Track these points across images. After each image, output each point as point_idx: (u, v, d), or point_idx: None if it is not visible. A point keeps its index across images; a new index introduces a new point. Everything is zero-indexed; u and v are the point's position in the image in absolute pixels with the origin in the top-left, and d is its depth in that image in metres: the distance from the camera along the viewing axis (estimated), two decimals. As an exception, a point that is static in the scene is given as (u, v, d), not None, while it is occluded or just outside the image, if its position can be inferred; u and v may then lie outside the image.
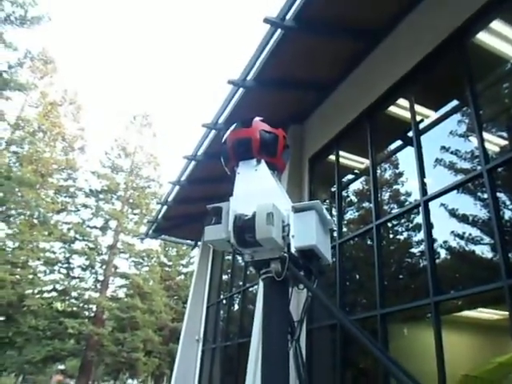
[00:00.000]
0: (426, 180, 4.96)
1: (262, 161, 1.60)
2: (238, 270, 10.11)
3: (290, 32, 5.47)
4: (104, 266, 26.29)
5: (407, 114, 5.46)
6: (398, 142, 6.10)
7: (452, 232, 4.64)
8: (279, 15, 5.28)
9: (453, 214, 4.71)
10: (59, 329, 22.58)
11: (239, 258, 9.33)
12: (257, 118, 1.66)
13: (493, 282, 3.84)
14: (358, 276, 6.60)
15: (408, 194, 5.60)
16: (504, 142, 4.52)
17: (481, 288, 4.00)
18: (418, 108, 5.39)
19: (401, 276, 5.72)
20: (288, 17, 5.30)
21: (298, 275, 1.35)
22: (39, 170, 24.81)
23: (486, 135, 4.32)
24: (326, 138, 7.09)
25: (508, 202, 4.07)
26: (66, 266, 25.30)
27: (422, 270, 4.86)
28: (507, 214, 4.01)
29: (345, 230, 6.53)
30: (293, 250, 1.36)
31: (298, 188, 7.39)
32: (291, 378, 1.27)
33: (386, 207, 5.97)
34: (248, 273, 9.08)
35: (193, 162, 8.48)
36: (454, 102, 5.21)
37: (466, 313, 5.19)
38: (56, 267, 24.88)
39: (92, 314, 25.21)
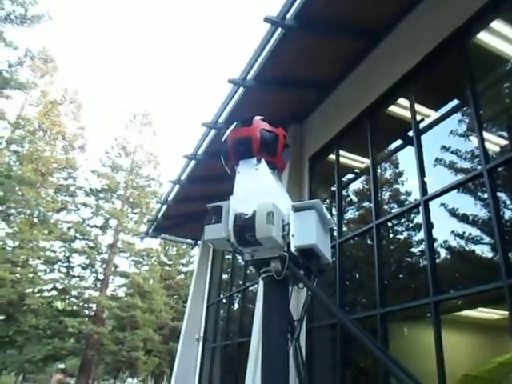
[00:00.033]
0: (426, 179, 4.96)
1: (263, 160, 1.59)
2: (237, 269, 10.12)
3: (291, 31, 5.47)
4: (104, 265, 26.32)
5: (407, 114, 5.46)
6: (399, 142, 6.10)
7: (452, 231, 4.64)
8: (279, 14, 5.27)
9: (453, 213, 4.71)
10: (59, 328, 22.61)
11: (239, 257, 9.34)
12: (257, 117, 1.66)
13: (493, 282, 3.84)
14: (357, 275, 6.60)
15: (408, 194, 5.60)
16: (504, 142, 4.52)
17: (481, 288, 4.00)
18: (418, 107, 5.39)
19: (401, 275, 5.72)
20: (288, 16, 5.30)
21: (297, 274, 1.35)
22: (39, 169, 24.82)
23: (486, 135, 4.32)
24: (326, 137, 7.09)
25: (508, 202, 4.07)
26: (66, 264, 25.33)
27: (421, 270, 4.86)
28: (507, 214, 4.01)
29: (345, 229, 6.53)
30: (293, 249, 1.36)
31: (298, 187, 7.39)
32: (291, 376, 1.27)
33: (386, 207, 5.97)
34: (248, 272, 9.08)
35: (193, 161, 8.48)
36: (455, 102, 5.21)
37: (466, 312, 5.19)
38: (56, 266, 24.91)
39: (92, 313, 25.24)
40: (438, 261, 4.58)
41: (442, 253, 4.73)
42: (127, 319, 25.06)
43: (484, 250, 4.37)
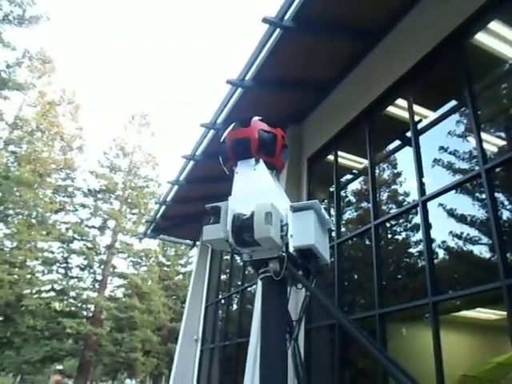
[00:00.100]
0: (424, 180, 4.97)
1: (261, 160, 1.59)
2: (236, 269, 10.11)
3: (289, 32, 5.47)
4: (102, 266, 26.28)
5: (406, 114, 5.47)
6: (397, 142, 6.11)
7: (450, 232, 4.64)
8: (278, 15, 5.28)
9: (451, 214, 4.72)
10: (57, 329, 22.56)
11: (238, 257, 9.33)
12: (255, 118, 1.66)
13: (491, 282, 3.84)
14: (356, 276, 6.61)
15: (406, 194, 5.61)
16: (502, 143, 4.53)
17: (479, 288, 4.00)
18: (416, 108, 5.40)
19: (399, 276, 5.72)
20: (287, 17, 5.30)
21: (296, 275, 1.35)
22: (37, 170, 24.79)
23: (484, 135, 4.32)
24: (324, 137, 7.10)
25: (506, 202, 4.08)
26: (64, 265, 25.31)
27: (420, 270, 4.87)
28: (505, 214, 4.02)
29: (343, 229, 6.54)
30: (291, 249, 1.36)
31: (296, 188, 7.39)
32: (289, 377, 1.27)
33: (384, 207, 5.98)
34: (246, 272, 9.08)
35: (191, 162, 8.48)
36: (453, 103, 5.22)
37: (465, 313, 5.20)
38: (54, 267, 24.88)
39: (90, 314, 25.19)
40: (436, 261, 4.59)
41: (441, 253, 4.74)
42: (125, 320, 25.03)
43: (482, 251, 4.38)
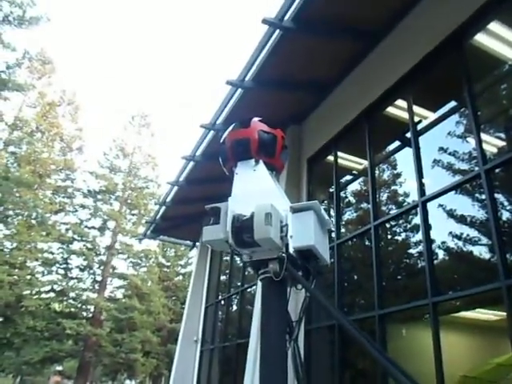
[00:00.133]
0: (424, 181, 4.97)
1: (261, 161, 1.59)
2: (236, 270, 10.11)
3: (289, 32, 5.47)
4: (102, 267, 26.27)
5: (405, 115, 5.47)
6: (397, 143, 6.11)
7: (450, 233, 4.64)
8: (278, 16, 5.28)
9: (451, 214, 4.72)
10: (57, 329, 22.55)
11: (237, 258, 9.32)
12: (255, 119, 1.66)
13: (491, 283, 3.84)
14: (356, 276, 6.61)
15: (406, 195, 5.61)
16: (502, 143, 4.54)
17: (479, 289, 4.00)
18: (416, 109, 5.40)
19: (399, 277, 5.72)
20: (286, 17, 5.30)
21: (296, 275, 1.35)
22: (37, 171, 24.78)
23: (483, 136, 4.33)
24: (324, 138, 7.10)
25: (506, 203, 4.08)
26: (63, 266, 25.30)
27: (420, 271, 4.87)
28: (505, 215, 4.02)
29: (343, 230, 6.54)
30: (291, 250, 1.36)
31: (296, 188, 7.39)
32: (289, 378, 1.27)
33: (384, 208, 5.98)
34: (246, 273, 9.08)
35: (191, 163, 8.48)
36: (452, 103, 5.22)
37: (464, 313, 5.20)
38: (54, 268, 24.87)
39: (90, 315, 25.17)
40: (436, 262, 4.59)
41: (440, 254, 4.74)
42: (125, 321, 25.02)
43: (482, 251, 4.38)
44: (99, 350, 24.04)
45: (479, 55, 4.83)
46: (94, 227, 26.93)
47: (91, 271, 26.03)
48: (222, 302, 10.33)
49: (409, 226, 5.41)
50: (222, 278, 10.97)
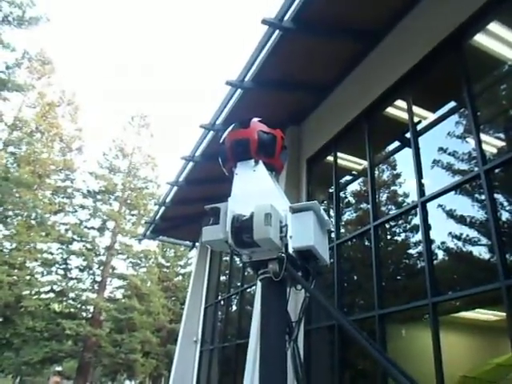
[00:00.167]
0: (423, 181, 4.97)
1: (260, 161, 1.60)
2: (235, 270, 10.11)
3: (289, 33, 5.47)
4: (102, 267, 26.26)
5: (405, 116, 5.47)
6: (396, 143, 6.11)
7: (450, 233, 4.64)
8: (277, 16, 5.28)
9: (450, 215, 4.72)
10: (57, 330, 22.54)
11: (237, 258, 9.31)
12: (255, 119, 1.66)
13: (490, 283, 3.84)
14: (355, 277, 6.60)
15: (406, 195, 5.61)
16: (501, 144, 4.54)
17: (478, 289, 4.01)
18: (415, 109, 5.40)
19: (399, 277, 5.72)
20: (286, 17, 5.30)
21: (295, 276, 1.35)
22: (37, 171, 24.77)
23: (483, 136, 4.33)
24: (323, 139, 7.10)
25: (505, 203, 4.08)
26: (63, 267, 25.29)
27: (419, 271, 4.87)
28: (504, 215, 4.02)
29: (343, 231, 6.54)
30: (290, 250, 1.36)
31: (295, 189, 7.39)
32: (289, 378, 1.27)
33: (383, 208, 5.98)
34: (246, 273, 9.07)
35: (191, 163, 8.48)
36: (452, 104, 5.22)
37: (464, 314, 5.20)
38: (53, 268, 24.86)
39: (89, 315, 25.16)
40: (435, 262, 4.59)
41: (440, 254, 4.74)
42: (125, 321, 25.00)
43: (481, 252, 4.38)
44: (99, 350, 24.02)
45: (479, 55, 4.84)
46: (93, 227, 26.93)
47: (91, 271, 26.03)
48: (222, 303, 10.32)
49: (408, 226, 5.41)
50: (222, 278, 10.96)
